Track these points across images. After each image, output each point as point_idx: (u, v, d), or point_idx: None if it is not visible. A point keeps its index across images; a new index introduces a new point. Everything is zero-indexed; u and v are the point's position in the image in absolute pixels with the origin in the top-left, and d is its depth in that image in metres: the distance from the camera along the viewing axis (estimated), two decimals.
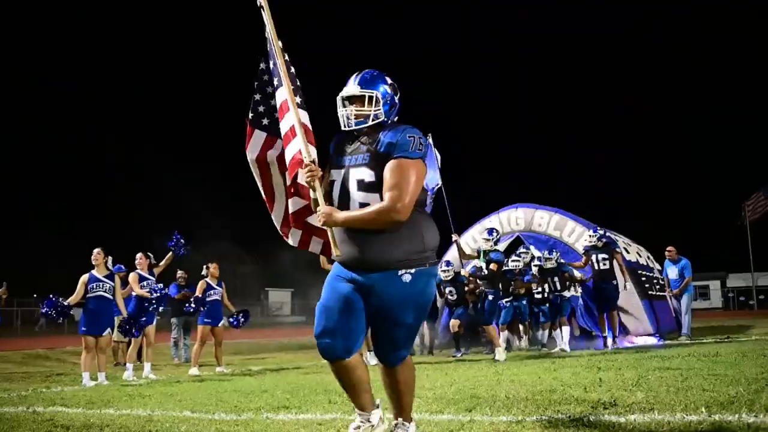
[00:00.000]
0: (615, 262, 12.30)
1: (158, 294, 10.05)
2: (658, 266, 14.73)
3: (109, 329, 9.49)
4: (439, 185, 11.84)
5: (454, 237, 11.81)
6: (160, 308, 10.37)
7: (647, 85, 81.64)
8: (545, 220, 13.69)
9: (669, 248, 13.87)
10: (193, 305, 10.54)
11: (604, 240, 12.53)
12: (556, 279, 12.25)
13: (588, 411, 4.73)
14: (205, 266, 10.97)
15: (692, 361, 7.89)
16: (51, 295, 9.22)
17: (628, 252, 13.77)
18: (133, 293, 10.16)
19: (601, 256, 12.26)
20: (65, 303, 9.11)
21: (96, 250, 9.50)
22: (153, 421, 5.30)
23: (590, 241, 12.52)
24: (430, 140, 11.49)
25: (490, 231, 11.69)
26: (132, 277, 10.23)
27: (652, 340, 12.40)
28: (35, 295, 43.05)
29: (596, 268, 12.28)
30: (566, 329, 12.11)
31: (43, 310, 9.22)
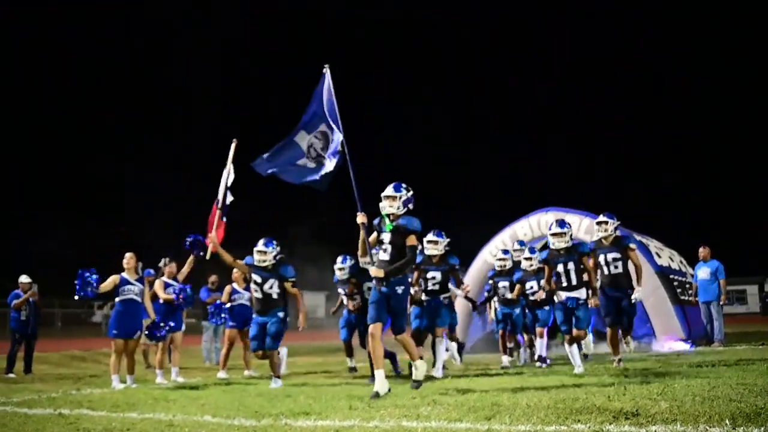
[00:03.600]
0: (630, 263, 9.29)
1: (184, 295, 10.11)
2: (690, 271, 14.44)
3: (138, 332, 9.60)
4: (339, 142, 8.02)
5: (360, 217, 7.38)
6: (185, 307, 10.44)
7: (678, 80, 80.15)
8: (575, 224, 13.51)
9: (703, 247, 13.60)
10: (212, 315, 10.66)
11: (616, 233, 9.37)
12: (570, 267, 8.66)
13: (609, 421, 4.66)
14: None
15: (722, 369, 7.73)
16: (81, 270, 9.28)
17: (659, 257, 13.54)
18: (160, 299, 10.24)
19: (611, 255, 9.20)
20: (95, 281, 9.22)
21: (128, 254, 9.62)
22: (173, 425, 5.34)
23: (600, 231, 9.36)
24: (327, 73, 8.40)
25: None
26: (157, 283, 10.34)
27: (684, 346, 12.18)
28: (77, 297, 43.76)
29: (606, 272, 9.25)
30: (541, 341, 10.24)
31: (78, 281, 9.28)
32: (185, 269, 10.42)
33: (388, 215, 7.14)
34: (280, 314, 8.73)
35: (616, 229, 9.35)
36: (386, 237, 7.10)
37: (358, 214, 7.35)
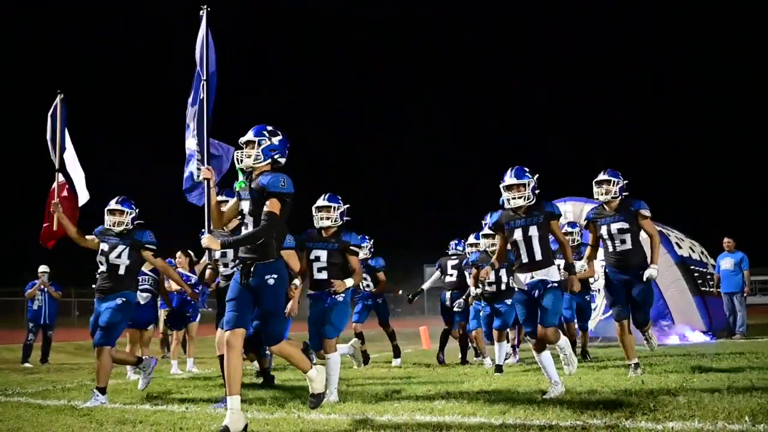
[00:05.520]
0: (642, 235, 7.18)
1: (202, 297, 10.14)
2: (712, 261, 14.28)
3: (152, 322, 9.63)
4: None
5: (206, 172, 5.65)
6: (201, 304, 10.45)
7: (678, 81, 79.14)
8: None
9: (728, 239, 13.44)
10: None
11: (622, 195, 7.18)
12: (533, 233, 6.16)
13: (625, 416, 4.58)
14: None
15: (743, 363, 7.61)
16: None
17: (680, 247, 13.36)
18: (174, 290, 10.24)
19: (616, 226, 7.05)
20: None
21: None
22: (186, 418, 5.32)
23: (601, 194, 7.16)
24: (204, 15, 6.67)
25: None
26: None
27: (704, 338, 12.02)
28: (93, 286, 44.17)
29: (610, 248, 7.13)
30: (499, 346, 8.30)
31: None
32: (202, 261, 10.40)
33: (245, 172, 5.17)
34: (120, 300, 6.67)
35: (622, 190, 7.17)
36: (245, 206, 5.10)
37: (203, 167, 5.54)
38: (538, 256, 6.05)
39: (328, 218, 6.60)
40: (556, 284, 6.01)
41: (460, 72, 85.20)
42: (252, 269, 4.86)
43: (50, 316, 12.47)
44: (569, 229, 9.52)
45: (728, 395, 5.21)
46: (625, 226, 7.01)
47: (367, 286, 10.02)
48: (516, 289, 6.32)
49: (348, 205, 6.82)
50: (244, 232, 5.01)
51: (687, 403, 4.96)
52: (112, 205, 6.86)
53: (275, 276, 4.88)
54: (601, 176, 7.18)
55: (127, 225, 6.85)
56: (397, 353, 10.23)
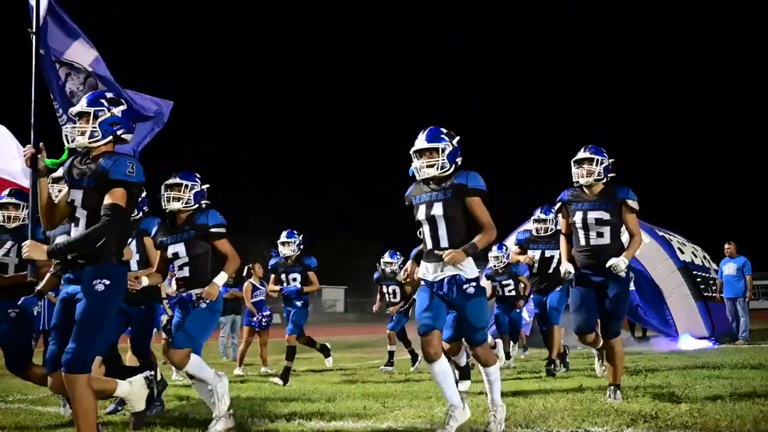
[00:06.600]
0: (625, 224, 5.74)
1: None
2: (714, 266, 14.25)
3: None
4: None
5: (30, 150, 4.32)
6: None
7: (702, 67, 79.43)
8: None
9: (728, 244, 13.45)
10: (257, 322, 10.76)
11: (607, 177, 5.74)
12: (437, 212, 4.66)
13: (627, 423, 4.57)
14: (247, 267, 11.04)
15: (745, 369, 7.58)
16: None
17: (682, 252, 13.33)
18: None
19: (594, 215, 5.64)
20: None
21: None
22: (186, 423, 5.32)
23: (581, 176, 5.73)
24: None
25: None
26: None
27: (707, 344, 11.98)
28: None
29: (582, 241, 5.73)
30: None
31: None
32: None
33: (76, 154, 4.20)
34: (12, 313, 5.75)
35: (607, 171, 5.76)
36: (76, 196, 4.04)
37: (27, 147, 4.31)
38: (444, 243, 4.62)
39: (178, 199, 5.32)
40: (473, 287, 4.58)
41: (460, 71, 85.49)
42: (79, 275, 3.98)
43: (50, 322, 12.41)
44: (543, 216, 8.45)
45: (731, 402, 5.20)
46: (605, 216, 5.63)
47: (297, 282, 8.93)
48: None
49: (208, 185, 5.58)
50: (75, 231, 4.03)
51: (689, 410, 4.94)
52: (4, 198, 5.90)
53: (106, 282, 3.93)
54: (582, 154, 5.80)
55: (23, 220, 5.83)
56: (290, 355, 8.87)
